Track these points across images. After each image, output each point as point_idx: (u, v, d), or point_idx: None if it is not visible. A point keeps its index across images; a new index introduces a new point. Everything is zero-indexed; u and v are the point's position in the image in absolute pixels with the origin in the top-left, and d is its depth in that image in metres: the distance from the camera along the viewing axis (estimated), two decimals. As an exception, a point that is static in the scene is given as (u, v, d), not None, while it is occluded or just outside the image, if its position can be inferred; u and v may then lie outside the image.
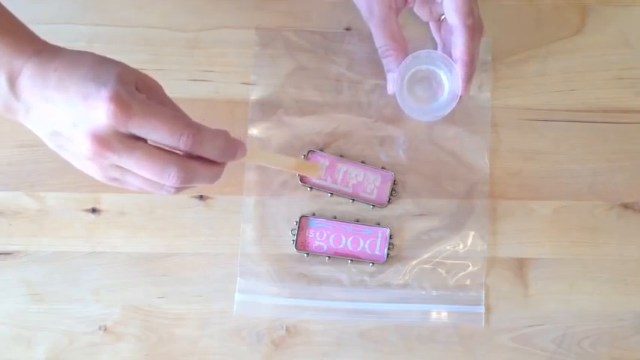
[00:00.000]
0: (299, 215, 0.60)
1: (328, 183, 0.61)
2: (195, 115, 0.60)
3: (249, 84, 0.61)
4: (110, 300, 0.60)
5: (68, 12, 0.62)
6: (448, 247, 0.60)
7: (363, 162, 0.61)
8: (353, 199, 0.60)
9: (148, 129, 0.41)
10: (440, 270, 0.60)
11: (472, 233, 0.60)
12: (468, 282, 0.60)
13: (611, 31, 0.63)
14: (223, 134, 0.44)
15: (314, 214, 0.60)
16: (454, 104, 0.55)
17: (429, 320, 0.60)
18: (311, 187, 0.61)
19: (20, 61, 0.42)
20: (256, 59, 0.62)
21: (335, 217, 0.60)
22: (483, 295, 0.60)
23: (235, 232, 0.60)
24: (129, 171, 0.42)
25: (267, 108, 0.61)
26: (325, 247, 0.60)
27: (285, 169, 0.54)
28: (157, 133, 0.41)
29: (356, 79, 0.62)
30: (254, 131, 0.61)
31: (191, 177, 0.43)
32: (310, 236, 0.60)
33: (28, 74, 0.42)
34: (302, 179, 0.60)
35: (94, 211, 0.60)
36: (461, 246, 0.60)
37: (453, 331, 0.60)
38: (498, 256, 0.61)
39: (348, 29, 0.62)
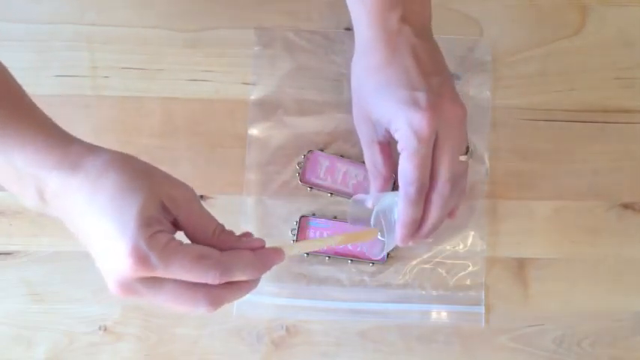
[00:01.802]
0: (299, 215, 0.60)
1: (328, 183, 0.61)
2: (195, 115, 0.61)
3: (249, 84, 0.61)
4: (110, 300, 0.60)
5: (68, 12, 0.62)
6: (448, 247, 0.61)
7: (363, 162, 0.61)
8: (353, 199, 0.60)
9: (173, 275, 0.40)
10: (440, 270, 0.60)
11: (472, 233, 0.60)
12: (468, 282, 0.60)
13: (611, 31, 0.63)
14: (254, 261, 0.43)
15: (314, 214, 0.60)
16: (384, 249, 0.53)
17: (429, 320, 0.60)
18: (311, 187, 0.61)
19: (44, 174, 0.41)
20: (256, 59, 0.61)
21: (335, 217, 0.60)
22: (483, 295, 0.60)
23: (235, 232, 0.60)
24: None
25: (267, 108, 0.61)
26: (325, 247, 0.60)
27: (338, 244, 0.51)
28: (183, 277, 0.40)
29: (356, 79, 0.61)
30: (254, 131, 0.61)
31: (223, 302, 0.42)
32: (310, 236, 0.60)
33: (53, 190, 0.41)
34: (302, 179, 0.60)
35: (94, 211, 0.60)
36: (461, 246, 0.60)
37: (452, 331, 0.60)
38: (498, 256, 0.61)
39: (348, 29, 0.62)
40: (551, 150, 0.62)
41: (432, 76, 0.49)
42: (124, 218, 0.39)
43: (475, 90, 0.61)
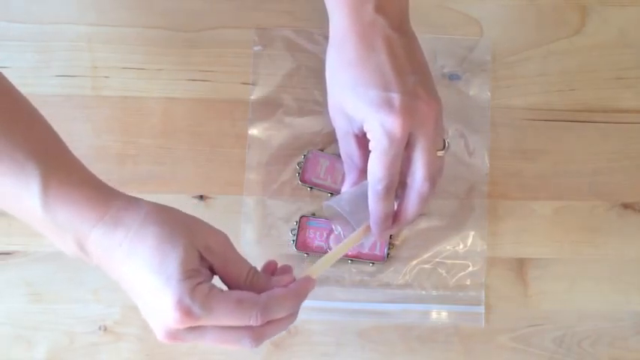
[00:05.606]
0: (299, 215, 0.60)
1: (328, 183, 0.61)
2: (195, 115, 0.61)
3: (249, 84, 0.61)
4: (110, 300, 0.60)
5: (68, 12, 0.62)
6: (448, 247, 0.61)
7: (363, 162, 0.61)
8: (353, 199, 0.60)
9: (216, 323, 0.42)
10: (440, 270, 0.60)
11: (472, 233, 0.60)
12: (468, 282, 0.60)
13: (611, 31, 0.63)
14: (288, 293, 0.45)
15: (314, 214, 0.60)
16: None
17: (429, 320, 0.60)
18: (311, 187, 0.61)
19: (85, 229, 0.42)
20: (256, 59, 0.61)
21: (335, 217, 0.60)
22: (483, 295, 0.60)
23: (235, 232, 0.60)
24: None
25: (267, 108, 0.61)
26: (325, 247, 0.60)
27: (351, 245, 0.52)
28: (226, 323, 0.42)
29: (356, 79, 0.61)
30: (254, 131, 0.61)
31: (266, 338, 0.44)
32: (310, 236, 0.60)
33: (95, 243, 0.43)
34: (302, 179, 0.60)
35: (94, 211, 0.60)
36: (461, 246, 0.60)
37: (453, 331, 0.60)
38: (498, 256, 0.61)
39: (348, 29, 0.62)
40: (551, 150, 0.62)
41: (408, 74, 0.48)
42: (166, 273, 0.41)
43: (475, 90, 0.61)
